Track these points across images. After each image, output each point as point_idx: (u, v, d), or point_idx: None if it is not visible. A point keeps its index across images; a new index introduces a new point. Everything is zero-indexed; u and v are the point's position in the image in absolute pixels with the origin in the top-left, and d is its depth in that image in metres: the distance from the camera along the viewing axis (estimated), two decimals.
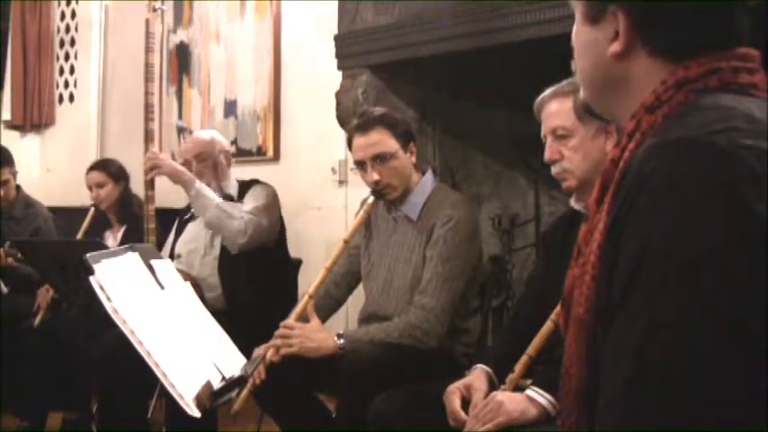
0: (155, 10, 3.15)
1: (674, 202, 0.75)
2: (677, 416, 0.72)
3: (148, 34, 3.08)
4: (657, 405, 0.73)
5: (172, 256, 3.06)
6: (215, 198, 2.95)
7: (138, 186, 3.31)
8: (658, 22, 0.89)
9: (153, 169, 3.00)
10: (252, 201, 3.01)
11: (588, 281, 0.85)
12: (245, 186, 3.13)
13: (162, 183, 3.17)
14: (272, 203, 3.04)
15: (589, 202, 0.93)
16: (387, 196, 2.40)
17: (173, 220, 3.28)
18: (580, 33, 0.97)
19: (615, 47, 0.92)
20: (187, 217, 3.20)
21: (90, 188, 3.69)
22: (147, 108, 3.08)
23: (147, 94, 3.08)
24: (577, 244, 0.94)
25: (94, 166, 3.73)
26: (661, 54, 0.90)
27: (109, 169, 3.69)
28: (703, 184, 0.74)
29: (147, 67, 3.09)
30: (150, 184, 3.10)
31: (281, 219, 3.12)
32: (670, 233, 0.75)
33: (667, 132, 0.82)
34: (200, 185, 2.94)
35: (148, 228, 3.07)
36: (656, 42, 0.90)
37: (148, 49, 3.08)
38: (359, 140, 2.39)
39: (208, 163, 3.09)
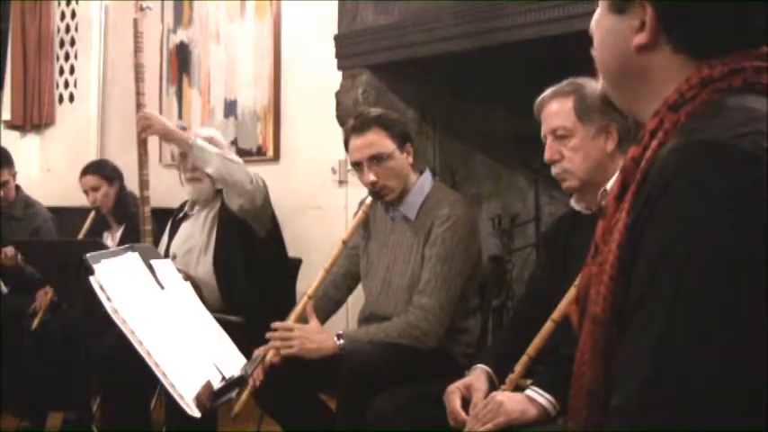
0: (142, 9, 3.15)
1: (696, 206, 0.75)
2: (693, 418, 0.72)
3: (137, 34, 3.08)
4: (674, 407, 0.73)
5: (167, 258, 3.06)
6: (214, 148, 2.96)
7: (136, 186, 3.30)
8: (685, 17, 0.88)
9: (145, 130, 3.00)
10: None
11: (606, 280, 0.85)
12: None
13: (157, 183, 3.17)
14: (264, 185, 3.05)
15: (608, 199, 0.93)
16: (384, 197, 2.40)
17: (169, 220, 3.28)
18: (603, 22, 0.96)
19: (640, 38, 0.91)
20: (180, 216, 3.20)
21: (86, 192, 3.69)
22: (139, 109, 3.09)
23: (138, 94, 3.08)
24: (594, 242, 0.93)
25: (87, 170, 3.73)
26: (685, 50, 0.89)
27: (102, 171, 3.70)
28: (726, 188, 0.74)
29: (137, 67, 3.09)
30: (145, 185, 3.10)
31: (273, 213, 3.11)
32: (691, 236, 0.74)
33: (691, 133, 0.81)
34: (194, 140, 2.94)
35: (145, 229, 3.07)
36: (681, 38, 0.89)
37: (137, 50, 3.08)
38: (355, 141, 2.39)
39: None
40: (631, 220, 0.82)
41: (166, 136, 3.00)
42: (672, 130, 0.85)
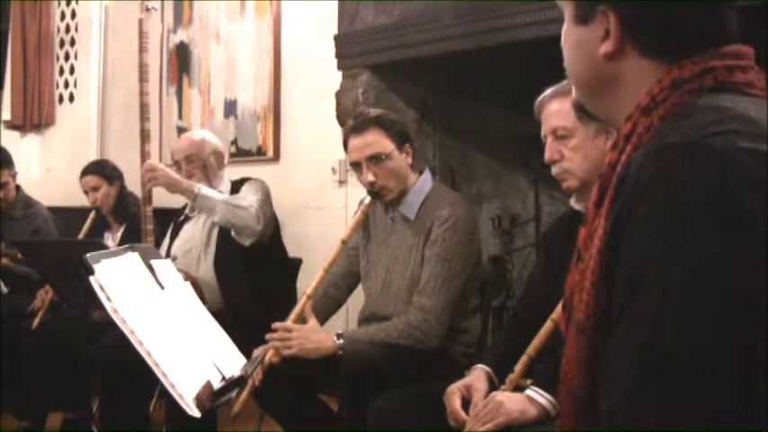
0: (147, 10, 3.16)
1: (673, 209, 0.75)
2: (681, 421, 0.72)
3: (142, 34, 3.10)
4: (662, 409, 0.73)
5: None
6: (218, 195, 2.96)
7: (138, 186, 3.31)
8: (648, 22, 0.88)
9: (150, 181, 3.01)
10: (249, 194, 3.02)
11: (588, 287, 0.85)
12: (236, 185, 3.14)
13: None
14: (268, 196, 3.05)
15: (588, 206, 0.93)
16: (383, 197, 2.40)
17: (170, 219, 3.28)
18: (570, 34, 0.97)
19: (606, 47, 0.91)
20: (181, 219, 3.20)
21: (86, 192, 3.69)
22: (143, 108, 3.09)
23: (142, 94, 3.10)
24: (577, 248, 0.94)
25: (87, 170, 3.73)
26: (652, 54, 0.89)
27: (102, 172, 3.70)
28: (702, 190, 0.74)
29: (142, 67, 3.10)
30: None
31: (274, 216, 3.12)
32: (670, 240, 0.74)
33: (664, 136, 0.81)
34: (199, 189, 2.94)
35: (146, 229, 3.08)
36: (647, 42, 0.89)
37: (142, 49, 3.10)
38: (354, 141, 2.39)
39: (197, 164, 3.10)
40: (610, 225, 0.82)
41: (171, 186, 2.99)
42: (645, 134, 0.86)
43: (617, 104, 0.93)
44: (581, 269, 0.89)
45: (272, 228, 3.08)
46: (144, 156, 3.10)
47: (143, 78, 3.10)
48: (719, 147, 0.75)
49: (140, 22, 3.11)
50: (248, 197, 2.98)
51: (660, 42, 0.89)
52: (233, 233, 2.95)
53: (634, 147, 0.86)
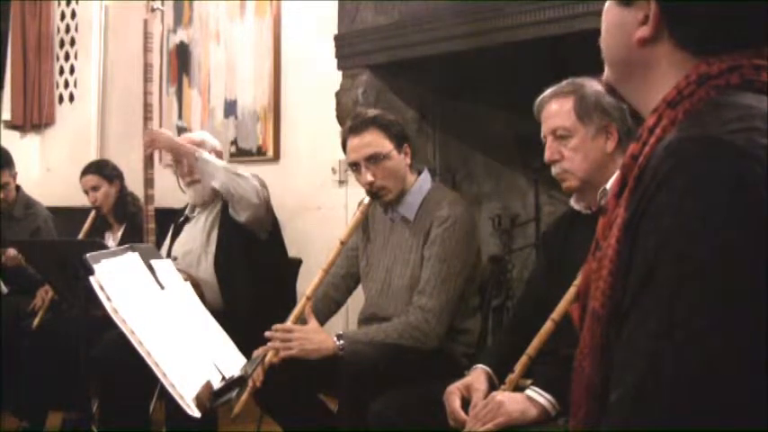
0: (153, 10, 3.17)
1: (691, 202, 0.75)
2: (689, 417, 0.73)
3: (147, 34, 3.11)
4: (669, 405, 0.73)
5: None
6: (219, 161, 2.99)
7: (138, 186, 3.31)
8: (689, 14, 0.89)
9: (151, 144, 3.02)
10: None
11: (605, 275, 0.86)
12: None
13: (161, 182, 3.17)
14: (265, 188, 3.05)
15: (609, 197, 0.93)
16: (382, 198, 2.40)
17: (172, 219, 3.28)
18: (610, 12, 0.97)
19: (642, 32, 0.91)
20: (181, 220, 3.20)
21: (86, 192, 3.70)
22: (146, 108, 3.10)
23: (146, 93, 3.10)
24: (595, 238, 0.94)
25: (87, 170, 3.73)
26: (686, 47, 0.90)
27: (102, 171, 3.70)
28: (721, 184, 0.74)
29: (146, 67, 3.11)
30: (149, 183, 3.11)
31: (273, 214, 3.12)
32: (687, 232, 0.75)
33: (687, 129, 0.82)
34: (200, 153, 2.96)
35: (148, 228, 3.08)
36: (684, 34, 0.90)
37: (147, 50, 3.11)
38: (352, 142, 2.39)
39: (192, 168, 3.10)
40: (629, 215, 0.83)
41: (172, 151, 3.01)
42: (669, 127, 0.86)
43: (645, 90, 0.94)
44: (598, 258, 0.90)
45: (271, 222, 3.08)
46: (146, 156, 3.11)
47: (147, 78, 3.12)
48: (740, 142, 0.76)
49: (145, 22, 3.12)
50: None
51: (696, 36, 0.89)
52: (230, 209, 2.95)
53: (657, 139, 0.86)
